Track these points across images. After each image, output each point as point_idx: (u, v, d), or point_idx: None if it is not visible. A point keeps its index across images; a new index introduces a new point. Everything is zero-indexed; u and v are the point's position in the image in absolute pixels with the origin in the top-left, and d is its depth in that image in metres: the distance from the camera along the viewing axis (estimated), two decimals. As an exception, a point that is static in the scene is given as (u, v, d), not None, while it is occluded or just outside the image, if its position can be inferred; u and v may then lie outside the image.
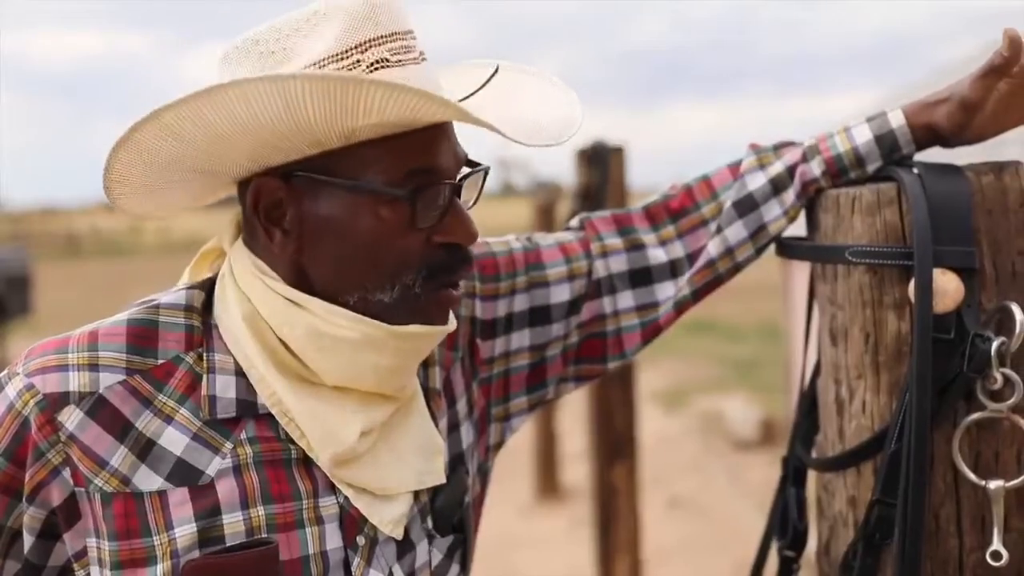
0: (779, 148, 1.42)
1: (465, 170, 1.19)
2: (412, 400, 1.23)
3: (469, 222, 1.16)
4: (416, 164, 1.11)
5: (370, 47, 1.09)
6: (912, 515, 1.22)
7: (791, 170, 1.38)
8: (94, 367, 1.11)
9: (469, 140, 1.17)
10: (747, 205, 1.39)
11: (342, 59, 1.08)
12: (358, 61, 1.08)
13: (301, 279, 1.15)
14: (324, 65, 1.08)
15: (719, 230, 1.40)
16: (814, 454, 1.47)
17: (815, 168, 1.36)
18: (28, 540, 1.12)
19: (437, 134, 1.13)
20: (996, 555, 1.23)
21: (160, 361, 1.13)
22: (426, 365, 1.29)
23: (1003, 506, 1.24)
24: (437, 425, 1.27)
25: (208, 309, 1.18)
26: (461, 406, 1.32)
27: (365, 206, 1.11)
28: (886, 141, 1.34)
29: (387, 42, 1.10)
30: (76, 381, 1.10)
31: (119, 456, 1.10)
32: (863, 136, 1.35)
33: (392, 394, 1.18)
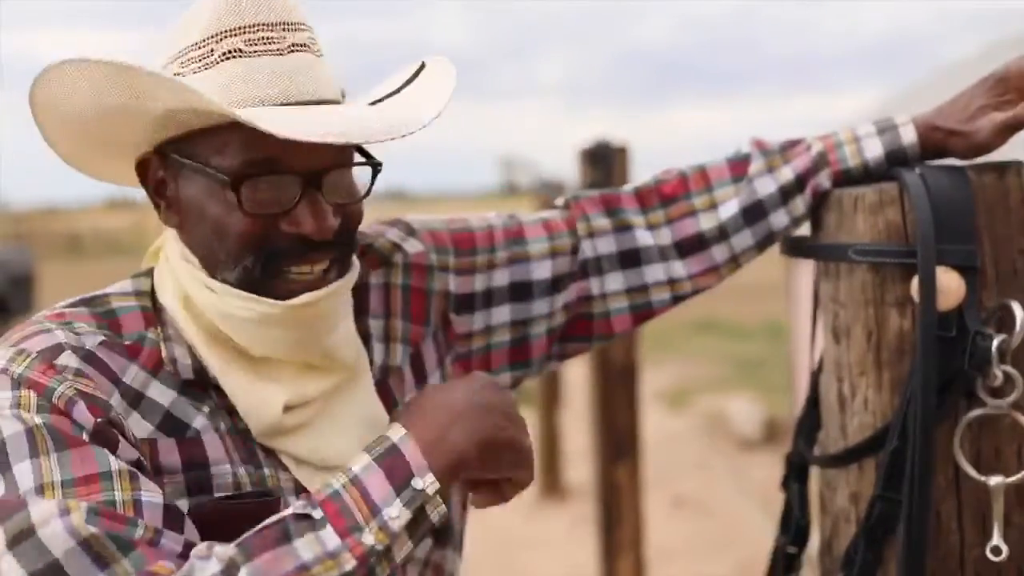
0: (786, 150, 1.42)
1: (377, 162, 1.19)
2: (359, 374, 1.24)
3: (321, 215, 1.12)
4: (256, 153, 1.10)
5: (225, 37, 1.11)
6: (917, 510, 1.23)
7: (801, 179, 1.39)
8: (76, 332, 1.13)
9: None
10: (756, 213, 1.40)
11: (199, 47, 1.12)
12: (212, 50, 1.12)
13: (193, 258, 1.17)
14: (185, 54, 1.13)
15: (724, 236, 1.41)
16: (817, 451, 1.48)
17: (824, 180, 1.38)
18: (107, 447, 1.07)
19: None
20: (996, 550, 1.25)
21: (127, 342, 1.16)
22: (387, 341, 1.30)
23: (1003, 502, 1.25)
24: (402, 401, 1.28)
25: (154, 293, 1.21)
26: (434, 380, 1.33)
27: (215, 189, 1.12)
28: (896, 157, 1.36)
29: (245, 33, 1.11)
30: (64, 337, 1.11)
31: (116, 399, 1.11)
32: (874, 151, 1.37)
33: (323, 364, 1.19)
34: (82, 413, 1.05)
